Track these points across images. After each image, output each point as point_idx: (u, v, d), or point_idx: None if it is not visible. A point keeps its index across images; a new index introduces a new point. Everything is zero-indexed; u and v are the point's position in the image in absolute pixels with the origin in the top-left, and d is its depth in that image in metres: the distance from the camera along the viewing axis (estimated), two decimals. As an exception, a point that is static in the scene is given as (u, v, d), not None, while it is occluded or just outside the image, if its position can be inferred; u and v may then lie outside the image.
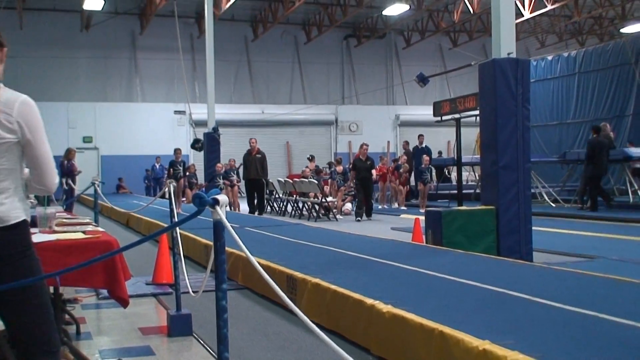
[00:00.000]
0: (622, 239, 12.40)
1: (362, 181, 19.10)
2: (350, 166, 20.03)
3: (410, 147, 25.47)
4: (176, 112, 35.87)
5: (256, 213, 20.78)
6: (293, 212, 20.80)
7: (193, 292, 5.75)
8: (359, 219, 18.84)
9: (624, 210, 17.98)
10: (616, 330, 4.59)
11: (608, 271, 7.76)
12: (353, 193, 20.99)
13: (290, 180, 21.86)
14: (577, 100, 26.48)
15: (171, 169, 21.89)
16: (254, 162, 21.00)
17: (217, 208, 3.10)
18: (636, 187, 19.43)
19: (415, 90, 36.96)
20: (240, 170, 22.55)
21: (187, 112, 31.07)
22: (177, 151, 22.30)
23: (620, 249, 10.99)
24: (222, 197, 3.12)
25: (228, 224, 3.11)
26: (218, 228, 3.14)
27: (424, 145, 24.55)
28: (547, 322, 4.85)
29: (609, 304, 5.45)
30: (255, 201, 21.29)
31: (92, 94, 35.26)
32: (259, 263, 8.67)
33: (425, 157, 22.08)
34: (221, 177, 22.51)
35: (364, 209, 19.12)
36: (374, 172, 20.09)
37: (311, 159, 24.06)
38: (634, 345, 4.22)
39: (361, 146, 19.55)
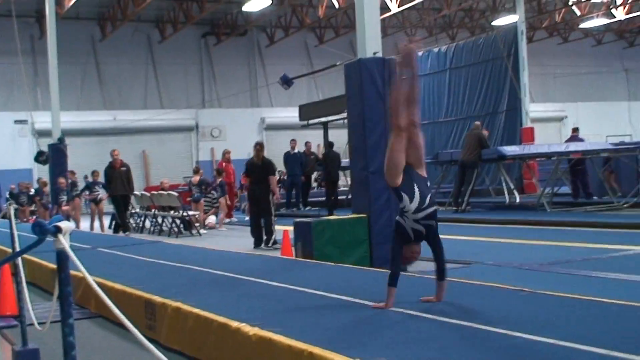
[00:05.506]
0: (498, 242, 12.89)
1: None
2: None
3: (282, 153, 25.02)
4: (17, 121, 34.65)
5: (121, 232, 20.18)
6: (152, 228, 20.56)
7: (39, 324, 5.63)
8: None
9: (500, 211, 18.68)
10: (493, 340, 4.77)
11: (484, 277, 8.05)
12: (217, 205, 20.88)
13: (148, 194, 21.58)
14: (449, 97, 27.22)
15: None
16: (120, 177, 20.17)
17: (60, 237, 3.06)
18: (512, 186, 20.18)
19: (280, 91, 36.80)
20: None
21: (29, 121, 30.20)
22: (94, 173, 22.62)
23: (496, 252, 11.39)
24: (65, 225, 3.08)
25: (72, 254, 3.07)
26: (62, 258, 3.11)
27: (296, 151, 23.98)
28: (422, 336, 4.99)
29: (485, 313, 5.66)
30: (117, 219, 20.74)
31: None
32: (114, 288, 8.49)
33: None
34: (67, 193, 22.08)
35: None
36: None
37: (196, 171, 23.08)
38: (511, 355, 4.41)
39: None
